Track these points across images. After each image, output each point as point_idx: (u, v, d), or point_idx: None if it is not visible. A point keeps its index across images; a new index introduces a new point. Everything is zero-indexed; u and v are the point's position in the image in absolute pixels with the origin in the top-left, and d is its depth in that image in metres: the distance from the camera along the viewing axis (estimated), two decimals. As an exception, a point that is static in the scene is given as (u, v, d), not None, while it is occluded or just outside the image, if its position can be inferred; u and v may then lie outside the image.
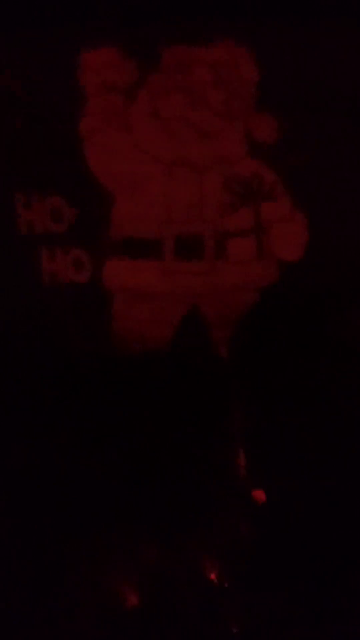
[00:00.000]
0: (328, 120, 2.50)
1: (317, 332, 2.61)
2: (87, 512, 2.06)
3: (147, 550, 1.96)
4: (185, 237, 2.59)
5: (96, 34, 2.38)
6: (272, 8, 2.34)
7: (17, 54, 2.40)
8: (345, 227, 2.59)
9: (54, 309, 2.65)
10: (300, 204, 2.58)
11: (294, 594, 1.88)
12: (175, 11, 2.33)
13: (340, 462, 2.20)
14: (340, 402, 2.39)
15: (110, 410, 2.40)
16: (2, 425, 2.35)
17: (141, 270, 2.62)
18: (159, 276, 2.62)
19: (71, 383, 2.51)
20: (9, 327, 2.63)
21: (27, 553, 1.99)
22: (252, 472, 2.20)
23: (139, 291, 2.63)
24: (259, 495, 2.11)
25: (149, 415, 2.36)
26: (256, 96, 2.44)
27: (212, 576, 1.91)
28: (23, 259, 2.62)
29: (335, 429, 2.31)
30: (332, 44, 2.42)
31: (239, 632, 1.81)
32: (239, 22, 2.34)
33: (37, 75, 2.43)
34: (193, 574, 1.92)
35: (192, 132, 2.47)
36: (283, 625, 1.81)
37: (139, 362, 2.59)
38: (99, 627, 1.82)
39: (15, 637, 1.83)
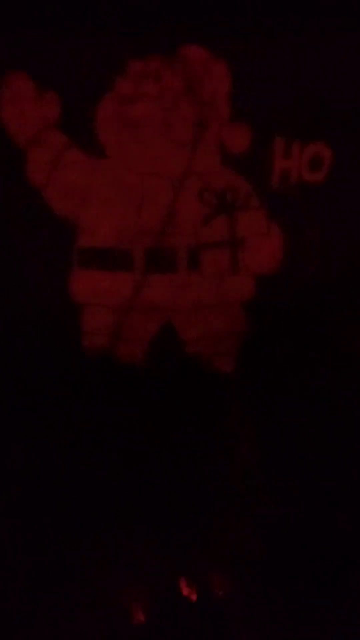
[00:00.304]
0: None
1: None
2: (89, 525, 2.05)
3: (153, 564, 1.95)
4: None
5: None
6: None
7: (35, 64, 2.23)
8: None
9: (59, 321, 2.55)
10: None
11: (302, 609, 1.89)
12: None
13: (347, 473, 2.19)
14: (329, 416, 2.37)
15: (117, 421, 2.36)
16: (3, 426, 2.30)
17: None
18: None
19: (78, 394, 2.46)
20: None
21: (28, 554, 1.99)
22: (260, 485, 2.18)
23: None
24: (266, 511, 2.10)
25: (156, 429, 2.33)
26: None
27: (220, 592, 1.91)
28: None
29: (349, 443, 2.29)
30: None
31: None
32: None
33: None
34: (200, 589, 1.91)
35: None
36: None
37: (147, 375, 2.54)
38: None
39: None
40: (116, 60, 2.22)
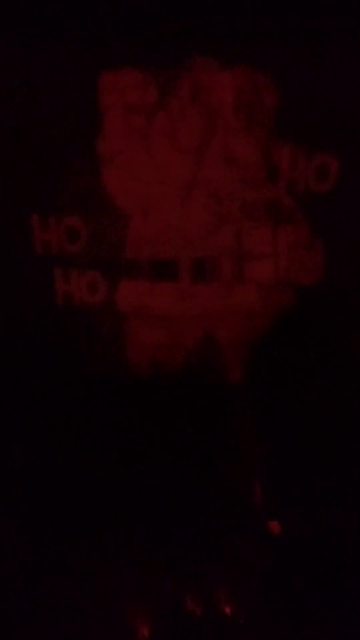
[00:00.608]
0: (348, 146, 2.49)
1: (334, 357, 2.60)
2: (90, 530, 2.05)
3: (156, 577, 1.95)
4: (202, 260, 2.57)
5: (117, 55, 2.35)
6: (292, 33, 2.31)
7: (36, 74, 2.37)
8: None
9: (67, 330, 2.62)
10: (318, 229, 2.56)
11: (308, 623, 1.87)
12: (196, 35, 2.30)
13: (357, 485, 2.19)
14: (344, 431, 2.38)
15: (123, 434, 2.39)
16: (3, 426, 2.32)
17: (156, 293, 2.59)
18: (174, 298, 2.60)
19: (84, 404, 2.50)
20: (22, 347, 2.61)
21: (28, 554, 1.99)
22: (268, 502, 2.19)
23: (153, 314, 2.61)
24: (274, 527, 2.10)
25: (162, 440, 2.35)
26: (276, 122, 2.41)
27: (227, 610, 1.90)
28: (38, 280, 2.59)
29: (355, 456, 2.30)
30: (352, 69, 2.39)
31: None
32: (259, 47, 2.32)
33: (57, 96, 2.40)
34: (207, 607, 1.90)
35: (212, 156, 2.44)
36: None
37: (151, 385, 2.58)
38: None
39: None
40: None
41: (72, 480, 2.22)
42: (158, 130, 2.43)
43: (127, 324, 2.64)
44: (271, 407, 2.45)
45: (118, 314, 2.62)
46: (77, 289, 2.60)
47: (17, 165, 2.45)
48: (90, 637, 1.80)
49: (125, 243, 2.56)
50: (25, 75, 2.39)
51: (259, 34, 2.30)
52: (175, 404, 2.48)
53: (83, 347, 2.62)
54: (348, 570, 1.96)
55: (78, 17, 2.28)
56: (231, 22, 2.28)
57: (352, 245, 2.59)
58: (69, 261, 2.56)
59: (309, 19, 2.29)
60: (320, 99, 2.41)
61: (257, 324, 2.63)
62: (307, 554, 2.01)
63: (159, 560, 2.00)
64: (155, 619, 1.86)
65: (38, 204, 2.50)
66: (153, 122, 2.43)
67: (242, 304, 2.63)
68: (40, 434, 2.37)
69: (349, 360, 2.60)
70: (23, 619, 1.83)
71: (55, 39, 2.32)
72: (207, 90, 2.39)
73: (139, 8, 2.27)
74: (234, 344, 2.64)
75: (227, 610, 1.88)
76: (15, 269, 2.56)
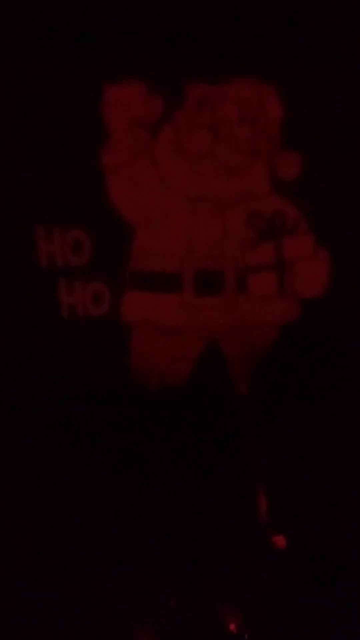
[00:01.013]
0: (352, 158, 2.49)
1: (339, 369, 2.58)
2: (98, 552, 2.04)
3: (165, 598, 1.93)
4: (205, 272, 2.57)
5: (122, 69, 2.37)
6: (297, 47, 2.33)
7: (43, 88, 2.39)
8: None
9: (71, 341, 2.62)
10: (323, 241, 2.56)
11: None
12: (201, 49, 2.32)
13: None
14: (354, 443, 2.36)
15: (127, 445, 2.37)
16: (4, 427, 2.32)
17: (160, 304, 2.59)
18: (178, 311, 2.60)
19: (89, 415, 2.49)
20: (27, 358, 2.60)
21: (28, 554, 1.98)
22: (273, 516, 2.17)
23: (157, 325, 2.61)
24: (280, 541, 2.08)
25: (166, 451, 2.34)
26: (281, 133, 2.42)
27: (232, 626, 1.88)
28: (42, 291, 2.59)
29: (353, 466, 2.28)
30: (356, 83, 2.41)
31: None
32: (263, 60, 2.34)
33: (62, 109, 2.41)
34: (212, 623, 1.88)
35: (217, 169, 2.45)
36: None
37: (156, 397, 2.57)
38: None
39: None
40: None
41: (77, 489, 2.21)
42: (163, 142, 2.44)
43: (131, 336, 2.64)
44: (276, 419, 2.43)
45: (122, 326, 2.62)
46: (82, 301, 2.60)
47: (22, 176, 2.46)
48: (87, 626, 1.79)
49: (130, 255, 2.56)
50: (31, 90, 2.41)
51: (263, 47, 2.32)
52: (180, 416, 2.47)
53: (87, 358, 2.61)
54: (353, 583, 1.94)
55: (84, 32, 2.31)
56: (236, 36, 2.30)
57: (356, 257, 2.59)
58: (74, 273, 2.56)
59: (312, 32, 2.31)
60: (325, 110, 2.43)
61: (261, 337, 2.63)
62: (311, 567, 1.99)
63: (163, 573, 1.99)
64: (159, 633, 1.84)
65: (43, 215, 2.51)
66: (158, 134, 2.44)
67: (246, 316, 2.62)
68: (45, 443, 2.36)
69: (355, 372, 2.58)
70: (23, 619, 1.82)
71: (61, 53, 2.34)
72: (212, 103, 2.40)
73: (144, 22, 2.30)
74: (238, 356, 2.63)
75: (232, 626, 1.86)
76: (19, 280, 2.56)
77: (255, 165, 2.46)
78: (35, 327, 2.61)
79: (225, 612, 1.92)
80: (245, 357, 2.64)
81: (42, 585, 1.94)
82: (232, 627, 1.90)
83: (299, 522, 2.15)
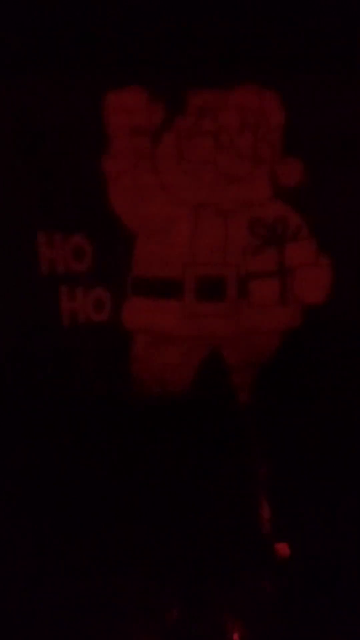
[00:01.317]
0: (354, 164, 2.49)
1: (341, 375, 2.58)
2: (104, 562, 2.03)
3: (168, 608, 1.92)
4: (207, 278, 2.57)
5: (124, 76, 2.37)
6: (298, 53, 2.33)
7: (44, 95, 2.39)
8: None
9: (72, 347, 2.62)
10: (324, 247, 2.55)
11: None
12: (203, 56, 2.32)
13: None
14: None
15: (129, 452, 2.37)
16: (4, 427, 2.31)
17: (162, 311, 2.59)
18: (179, 317, 2.60)
19: (90, 421, 2.48)
20: (28, 363, 2.60)
21: (28, 554, 1.97)
22: (276, 523, 2.15)
23: (159, 332, 2.61)
24: (283, 549, 2.07)
25: (167, 459, 2.33)
26: (282, 140, 2.42)
27: (235, 637, 1.86)
28: (43, 297, 2.59)
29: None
30: (357, 90, 2.41)
31: None
32: (264, 67, 2.34)
33: (63, 116, 2.42)
34: (215, 634, 1.87)
35: (218, 176, 2.45)
36: None
37: (157, 404, 2.56)
38: None
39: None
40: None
41: (78, 494, 2.21)
42: (164, 149, 2.44)
43: (132, 342, 2.63)
44: (278, 426, 2.43)
45: (124, 332, 2.61)
46: (83, 307, 2.60)
47: (23, 183, 2.46)
48: (87, 626, 1.79)
49: (131, 261, 2.56)
50: (33, 97, 2.41)
51: (265, 54, 2.32)
52: (181, 423, 2.46)
53: (88, 364, 2.60)
54: (356, 590, 1.93)
55: (85, 39, 2.31)
56: (238, 43, 2.30)
57: (358, 263, 2.58)
58: (75, 279, 2.56)
59: (313, 38, 2.31)
60: (326, 117, 2.43)
61: (263, 343, 2.62)
62: (315, 576, 1.97)
63: (164, 578, 1.98)
64: (158, 635, 1.83)
65: (44, 222, 2.51)
66: (159, 141, 2.44)
67: (248, 322, 2.62)
68: (46, 446, 2.36)
69: (357, 378, 2.58)
70: (23, 619, 1.81)
71: (62, 60, 2.34)
72: (214, 110, 2.40)
73: (146, 29, 2.30)
74: (240, 363, 2.63)
75: (235, 636, 1.85)
76: (21, 286, 2.56)
77: (256, 172, 2.45)
78: (36, 333, 2.61)
79: (227, 620, 1.91)
80: (247, 364, 2.63)
81: (42, 585, 1.93)
82: (235, 637, 1.89)
83: (301, 528, 2.14)
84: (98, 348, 2.63)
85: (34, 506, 2.18)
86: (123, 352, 2.63)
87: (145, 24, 2.31)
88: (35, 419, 2.47)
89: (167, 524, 2.12)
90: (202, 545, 2.07)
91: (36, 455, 2.35)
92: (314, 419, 2.44)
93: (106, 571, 1.98)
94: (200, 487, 2.25)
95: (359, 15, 2.30)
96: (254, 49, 2.32)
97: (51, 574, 1.95)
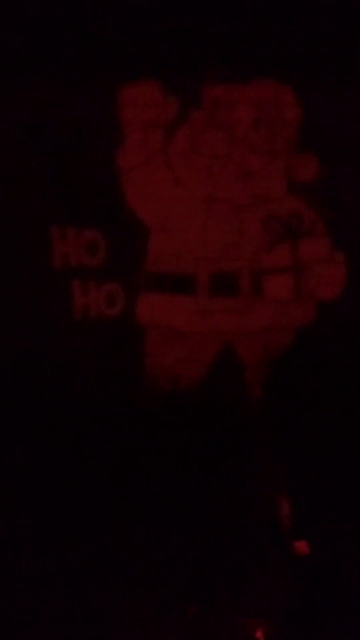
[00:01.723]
0: None
1: (356, 372, 2.55)
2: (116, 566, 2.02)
3: (187, 608, 1.90)
4: (221, 274, 2.55)
5: (138, 70, 2.36)
6: (314, 48, 2.32)
7: (58, 89, 2.39)
8: None
9: (84, 341, 2.61)
10: (339, 243, 2.53)
11: None
12: (218, 50, 2.31)
13: None
14: None
15: (141, 448, 2.35)
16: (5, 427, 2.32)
17: (175, 307, 2.58)
18: (192, 313, 2.58)
19: (99, 415, 2.47)
20: (40, 356, 2.60)
21: (28, 554, 1.96)
22: (295, 523, 2.13)
23: (171, 327, 2.59)
24: (302, 547, 2.05)
25: (179, 456, 2.31)
26: (297, 136, 2.41)
27: (258, 634, 1.84)
28: (56, 291, 2.59)
29: None
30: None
31: None
32: (280, 61, 2.33)
33: (78, 110, 2.41)
34: (236, 633, 1.85)
35: (233, 170, 2.44)
36: None
37: (169, 400, 2.55)
38: None
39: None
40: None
41: (84, 493, 2.20)
42: (178, 143, 2.43)
43: (145, 337, 2.62)
44: (291, 423, 2.40)
45: (136, 327, 2.60)
46: (95, 302, 2.59)
47: (37, 177, 2.46)
48: (87, 626, 1.78)
49: (145, 256, 2.55)
50: (47, 92, 2.41)
51: (280, 49, 2.31)
52: (193, 419, 2.45)
53: (100, 359, 2.59)
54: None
55: (99, 33, 2.31)
56: (253, 37, 2.29)
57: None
58: (88, 274, 2.55)
59: (329, 33, 2.30)
60: (341, 112, 2.41)
61: (277, 340, 2.60)
62: (333, 577, 1.95)
63: (172, 580, 1.96)
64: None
65: (57, 216, 2.50)
66: (173, 136, 2.43)
67: (262, 319, 2.60)
68: (55, 442, 2.35)
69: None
70: (23, 619, 1.80)
71: (75, 55, 2.34)
72: (228, 105, 2.39)
73: (161, 23, 2.30)
74: (253, 359, 2.61)
75: (259, 635, 1.82)
76: (33, 280, 2.56)
77: (271, 167, 2.44)
78: (48, 327, 2.60)
79: (249, 621, 1.89)
80: (260, 361, 2.61)
81: (42, 586, 1.92)
82: (258, 634, 1.86)
83: (316, 526, 2.12)
84: (110, 343, 2.61)
85: (35, 499, 2.17)
86: (135, 347, 2.61)
87: (161, 18, 2.31)
88: (46, 410, 2.46)
89: (175, 519, 2.11)
90: (214, 542, 2.05)
91: (45, 447, 2.34)
92: (328, 416, 2.42)
93: (104, 566, 1.97)
94: (211, 483, 2.23)
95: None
96: (271, 44, 2.31)
97: (52, 575, 1.94)
